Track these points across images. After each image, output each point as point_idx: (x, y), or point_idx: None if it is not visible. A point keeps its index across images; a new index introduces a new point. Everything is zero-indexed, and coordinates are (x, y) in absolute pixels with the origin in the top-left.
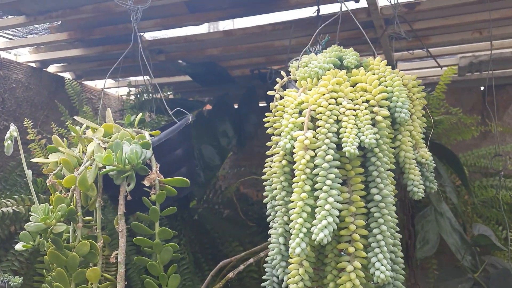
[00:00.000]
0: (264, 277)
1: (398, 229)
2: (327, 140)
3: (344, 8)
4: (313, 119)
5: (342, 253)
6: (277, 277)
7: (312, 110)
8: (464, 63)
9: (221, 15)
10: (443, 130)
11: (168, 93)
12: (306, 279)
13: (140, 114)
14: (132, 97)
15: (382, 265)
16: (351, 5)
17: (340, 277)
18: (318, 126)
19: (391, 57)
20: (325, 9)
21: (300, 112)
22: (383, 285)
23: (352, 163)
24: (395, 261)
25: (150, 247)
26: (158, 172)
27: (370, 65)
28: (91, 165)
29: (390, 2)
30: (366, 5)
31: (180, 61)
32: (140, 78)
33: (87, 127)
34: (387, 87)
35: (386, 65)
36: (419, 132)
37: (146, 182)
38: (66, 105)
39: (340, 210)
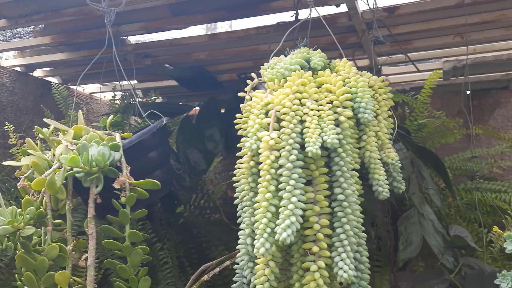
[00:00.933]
0: (234, 278)
1: (363, 228)
2: (290, 140)
3: (316, 14)
4: (278, 120)
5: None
6: (246, 278)
7: (277, 111)
8: (448, 67)
9: (204, 18)
10: (427, 134)
11: (154, 97)
12: (272, 280)
13: (111, 117)
14: (118, 102)
15: (345, 264)
16: (333, 10)
17: (305, 277)
18: (283, 127)
19: (375, 61)
20: (313, 13)
21: (267, 113)
22: (347, 285)
23: (316, 163)
24: (360, 260)
25: (120, 250)
26: (128, 174)
27: (337, 66)
28: (60, 168)
29: (369, 6)
30: (347, 10)
31: (166, 65)
32: (126, 82)
33: (57, 129)
34: (351, 88)
35: (370, 69)
36: (386, 133)
37: (116, 185)
38: (53, 110)
39: (304, 210)
